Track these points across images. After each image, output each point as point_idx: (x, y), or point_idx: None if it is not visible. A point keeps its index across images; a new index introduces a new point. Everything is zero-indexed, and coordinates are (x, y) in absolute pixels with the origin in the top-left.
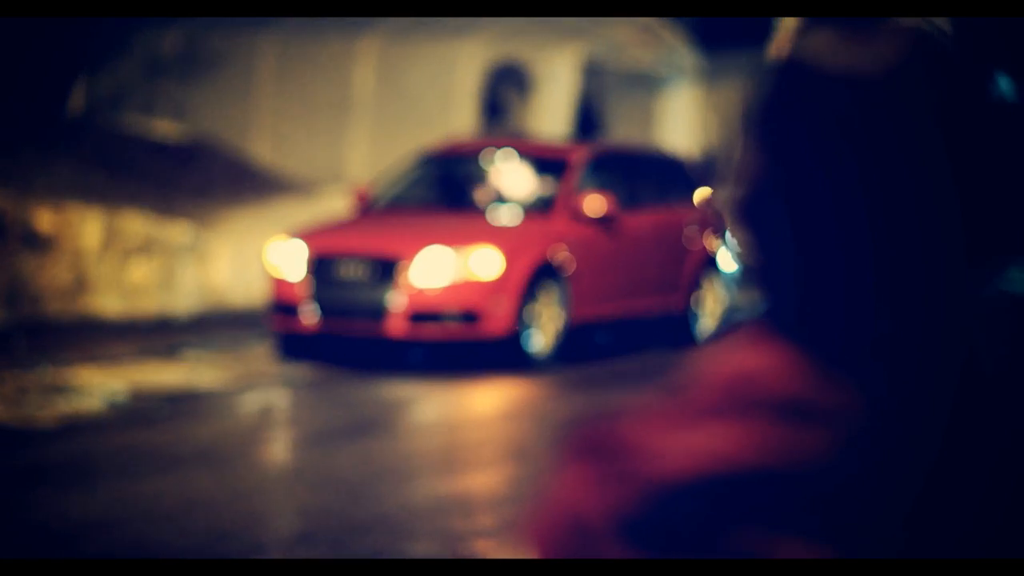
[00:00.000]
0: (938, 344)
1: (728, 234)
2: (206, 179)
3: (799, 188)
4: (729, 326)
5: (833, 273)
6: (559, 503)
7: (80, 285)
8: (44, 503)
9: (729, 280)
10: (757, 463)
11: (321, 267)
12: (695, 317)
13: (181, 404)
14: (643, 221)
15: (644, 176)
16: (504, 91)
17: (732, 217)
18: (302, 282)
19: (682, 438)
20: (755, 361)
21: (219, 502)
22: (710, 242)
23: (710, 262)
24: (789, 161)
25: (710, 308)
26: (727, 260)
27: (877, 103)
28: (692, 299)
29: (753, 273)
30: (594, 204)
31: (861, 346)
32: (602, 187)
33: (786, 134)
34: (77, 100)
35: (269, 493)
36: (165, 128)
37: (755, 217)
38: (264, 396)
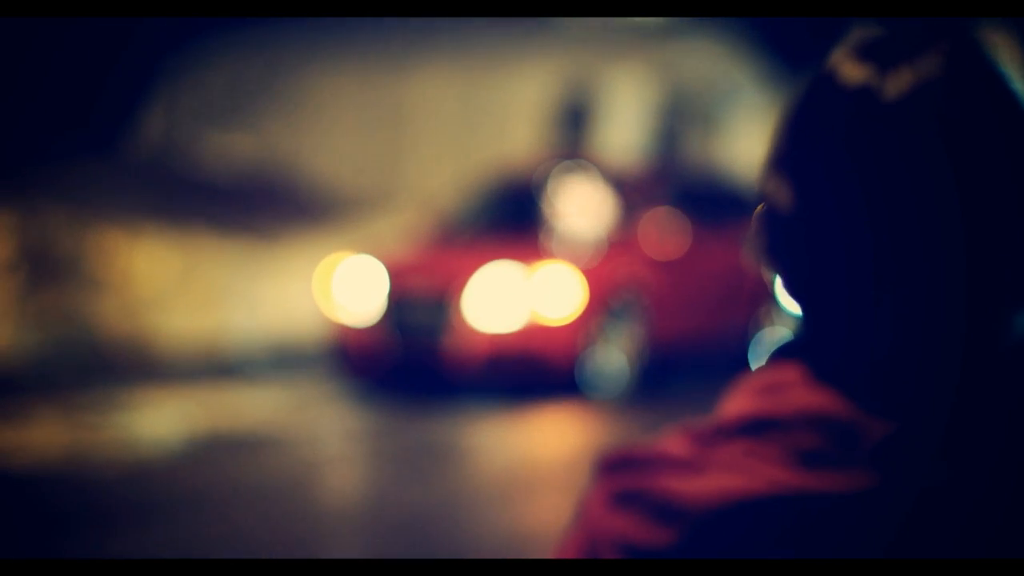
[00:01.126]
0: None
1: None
2: (270, 201)
3: (826, 222)
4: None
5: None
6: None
7: (139, 310)
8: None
9: (785, 311)
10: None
11: (400, 300)
12: (753, 347)
13: (244, 439)
14: (715, 248)
15: (716, 201)
16: (578, 108)
17: (759, 252)
18: (377, 317)
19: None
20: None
21: (286, 542)
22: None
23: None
24: (818, 193)
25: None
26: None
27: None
28: (752, 329)
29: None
30: (670, 233)
31: (882, 380)
32: (677, 211)
33: (817, 164)
34: (156, 121)
35: (338, 534)
36: (238, 148)
37: (783, 253)
38: (328, 430)
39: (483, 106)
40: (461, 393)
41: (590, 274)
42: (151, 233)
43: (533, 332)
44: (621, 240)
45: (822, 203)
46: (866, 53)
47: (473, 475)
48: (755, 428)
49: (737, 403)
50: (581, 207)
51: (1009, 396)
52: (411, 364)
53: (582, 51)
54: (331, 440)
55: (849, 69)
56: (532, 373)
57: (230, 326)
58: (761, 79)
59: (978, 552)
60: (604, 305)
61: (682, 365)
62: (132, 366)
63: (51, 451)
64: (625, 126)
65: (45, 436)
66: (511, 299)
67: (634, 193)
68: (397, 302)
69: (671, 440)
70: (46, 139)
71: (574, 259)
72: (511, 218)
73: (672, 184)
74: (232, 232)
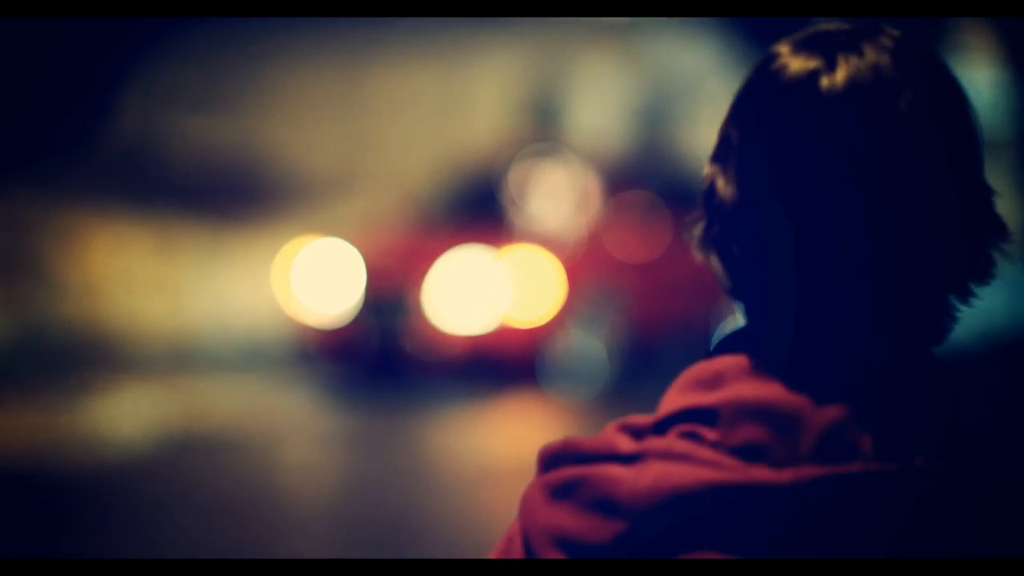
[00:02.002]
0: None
1: None
2: (241, 189)
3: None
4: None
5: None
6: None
7: (108, 300)
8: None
9: None
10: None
11: (375, 291)
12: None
13: (212, 438)
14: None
15: (693, 188)
16: (548, 93)
17: (703, 242)
18: (350, 309)
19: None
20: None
21: (255, 545)
22: None
23: None
24: (767, 186)
25: None
26: None
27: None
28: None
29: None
30: (647, 220)
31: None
32: (655, 197)
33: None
34: (128, 111)
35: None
36: (209, 136)
37: (726, 243)
38: (297, 430)
39: (452, 91)
40: (433, 389)
41: (563, 260)
42: (121, 222)
43: (506, 327)
44: (596, 227)
45: (765, 194)
46: (810, 45)
47: (443, 476)
48: (694, 420)
49: (676, 395)
50: (553, 192)
51: (946, 384)
52: (383, 358)
53: (553, 35)
54: (300, 440)
55: (793, 60)
56: (505, 368)
57: (200, 316)
58: (741, 67)
59: (919, 543)
60: (579, 294)
61: (664, 357)
62: (100, 359)
63: (16, 448)
64: (599, 112)
65: (11, 432)
66: (482, 286)
67: (609, 178)
68: (372, 294)
69: (610, 433)
70: (18, 127)
71: (546, 245)
72: (481, 204)
73: (650, 170)
74: (202, 220)
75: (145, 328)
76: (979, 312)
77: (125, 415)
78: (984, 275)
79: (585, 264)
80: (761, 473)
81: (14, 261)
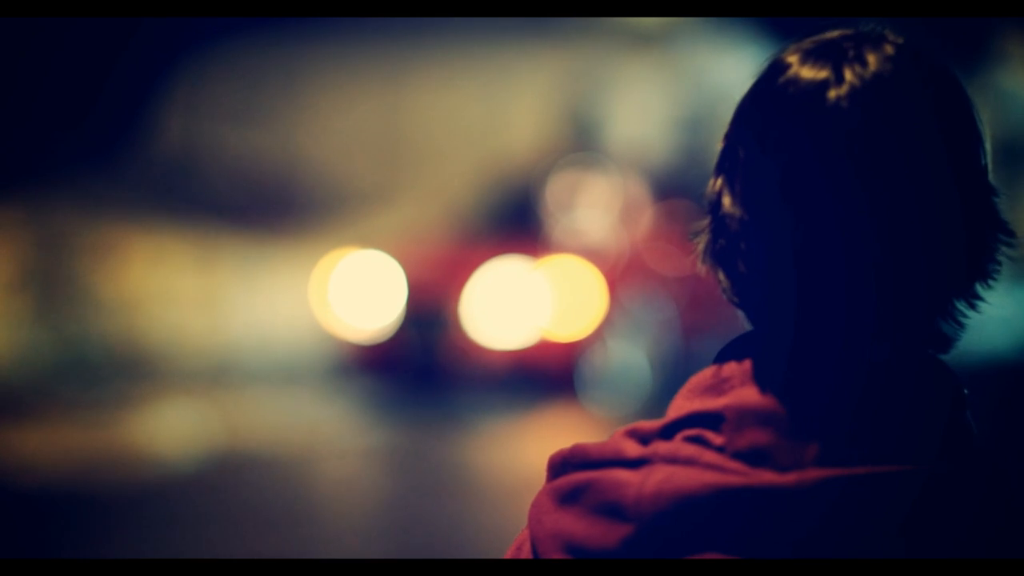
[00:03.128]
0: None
1: None
2: (281, 200)
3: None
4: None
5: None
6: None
7: (149, 313)
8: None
9: None
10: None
11: (417, 305)
12: None
13: (255, 454)
14: None
15: None
16: (588, 103)
17: (708, 253)
18: (393, 323)
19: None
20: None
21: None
22: None
23: None
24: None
25: None
26: None
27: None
28: None
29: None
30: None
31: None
32: (697, 206)
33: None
34: (167, 120)
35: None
36: (250, 147)
37: (731, 254)
38: (338, 446)
39: (492, 102)
40: (473, 404)
41: (604, 271)
42: (160, 236)
43: (546, 340)
44: (637, 237)
45: (773, 211)
46: (817, 55)
47: (483, 490)
48: (700, 424)
49: (683, 400)
50: (593, 203)
51: (949, 387)
52: (423, 372)
53: (593, 45)
54: (340, 455)
55: (803, 71)
56: (545, 382)
57: (239, 330)
58: None
59: (923, 544)
60: (620, 306)
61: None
62: (140, 374)
63: (58, 464)
64: (639, 122)
65: (52, 447)
66: (521, 298)
67: (650, 188)
68: (412, 307)
69: (617, 438)
70: (57, 140)
71: (587, 256)
72: (521, 216)
73: (691, 179)
74: (242, 234)
75: (185, 343)
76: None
77: (165, 430)
78: (988, 278)
79: (626, 275)
80: (766, 477)
81: (54, 276)
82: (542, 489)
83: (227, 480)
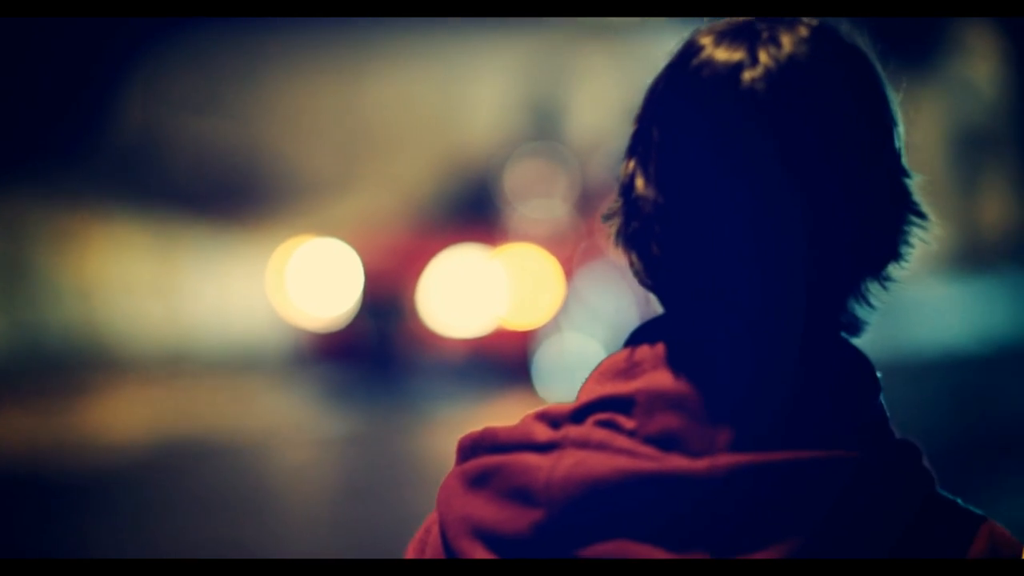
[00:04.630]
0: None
1: None
2: (242, 190)
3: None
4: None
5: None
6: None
7: (107, 303)
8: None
9: None
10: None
11: (372, 293)
12: None
13: (208, 442)
14: None
15: None
16: (547, 95)
17: (617, 236)
18: (348, 311)
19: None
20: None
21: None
22: None
23: None
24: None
25: None
26: None
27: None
28: None
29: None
30: None
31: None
32: None
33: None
34: (130, 110)
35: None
36: (211, 137)
37: (641, 236)
38: (293, 434)
39: (450, 91)
40: (430, 392)
41: (560, 260)
42: (118, 224)
43: (502, 329)
44: (594, 226)
45: (687, 194)
46: (732, 36)
47: (439, 478)
48: (611, 409)
49: (594, 384)
50: (550, 191)
51: (864, 375)
52: (380, 361)
53: (551, 35)
54: (296, 443)
55: (717, 52)
56: (502, 370)
57: (197, 319)
58: None
59: (836, 533)
60: (577, 294)
61: None
62: (97, 361)
63: (13, 451)
64: (598, 111)
65: (8, 434)
66: (478, 286)
67: (607, 177)
68: (369, 295)
69: (528, 422)
70: (16, 129)
71: (544, 244)
72: (478, 204)
73: None
74: (200, 222)
75: (142, 330)
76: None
77: (122, 418)
78: (901, 260)
79: (583, 264)
80: (677, 462)
81: (12, 263)
82: (451, 472)
83: (184, 468)
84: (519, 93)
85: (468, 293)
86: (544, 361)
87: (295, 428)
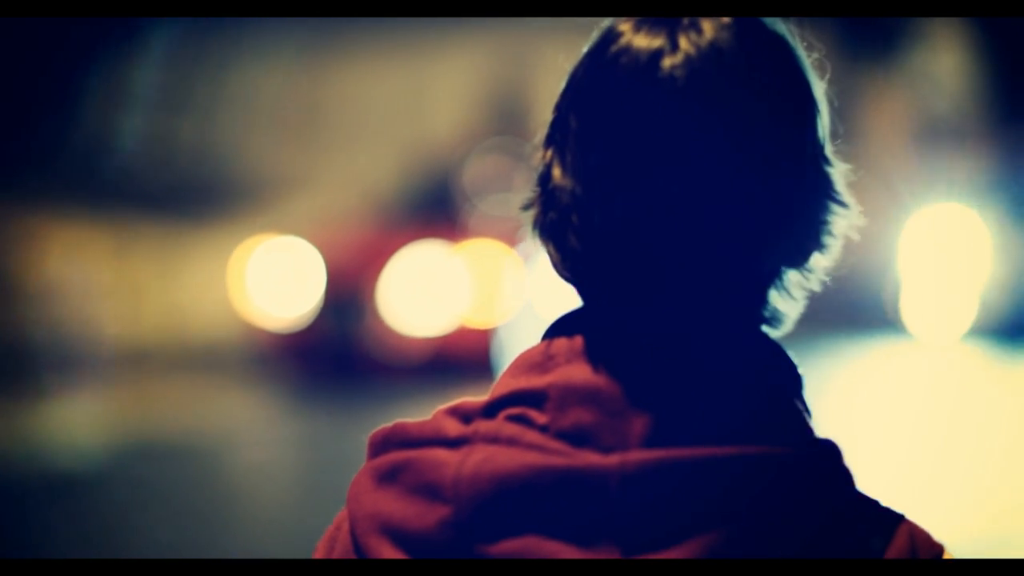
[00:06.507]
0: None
1: None
2: (197, 190)
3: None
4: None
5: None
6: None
7: (65, 304)
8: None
9: None
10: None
11: (334, 291)
12: None
13: (168, 444)
14: None
15: None
16: (512, 91)
17: (534, 227)
18: (309, 311)
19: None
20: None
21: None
22: None
23: None
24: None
25: None
26: None
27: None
28: None
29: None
30: None
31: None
32: None
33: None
34: (87, 112)
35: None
36: (168, 138)
37: (558, 228)
38: (254, 435)
39: (413, 87)
40: (392, 392)
41: (524, 256)
42: (77, 224)
43: (464, 327)
44: None
45: (605, 185)
46: (651, 22)
47: None
48: (523, 403)
49: (508, 378)
50: (514, 187)
51: (782, 369)
52: (342, 361)
53: (516, 31)
54: (257, 444)
55: (636, 39)
56: (463, 369)
57: (157, 319)
58: None
59: (745, 533)
60: (539, 290)
61: None
62: (56, 363)
63: None
64: None
65: None
66: (440, 283)
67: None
68: (331, 294)
69: (439, 416)
70: None
71: (507, 240)
72: (441, 201)
73: None
74: (160, 222)
75: (102, 331)
76: None
77: (82, 419)
78: (823, 249)
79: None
80: (588, 458)
81: None
82: (362, 468)
83: (145, 469)
84: (482, 89)
85: (430, 291)
86: (506, 359)
87: (256, 428)
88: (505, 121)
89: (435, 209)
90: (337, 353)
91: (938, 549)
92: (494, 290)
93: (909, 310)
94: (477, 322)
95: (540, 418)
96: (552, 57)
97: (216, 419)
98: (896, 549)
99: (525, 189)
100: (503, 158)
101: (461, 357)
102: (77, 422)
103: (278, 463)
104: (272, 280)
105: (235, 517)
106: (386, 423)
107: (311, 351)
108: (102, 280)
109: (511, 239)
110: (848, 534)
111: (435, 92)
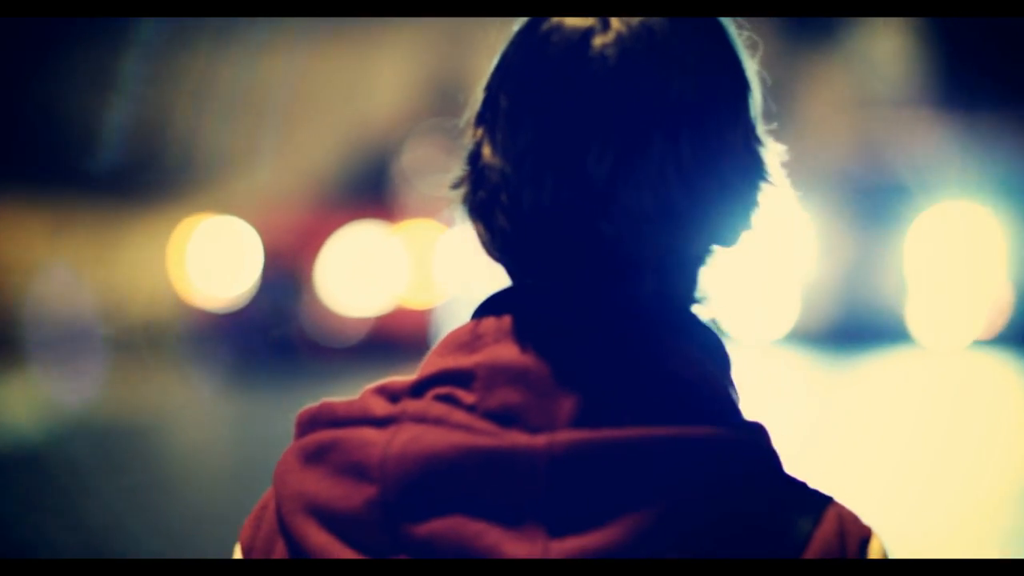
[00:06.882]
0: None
1: None
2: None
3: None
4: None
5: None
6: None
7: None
8: None
9: None
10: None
11: (271, 272)
12: None
13: (109, 423)
14: None
15: None
16: (452, 73)
17: (463, 207)
18: (247, 290)
19: None
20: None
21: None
22: None
23: None
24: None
25: None
26: None
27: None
28: None
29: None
30: None
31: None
32: None
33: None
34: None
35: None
36: (112, 119)
37: (488, 207)
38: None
39: (353, 69)
40: (329, 372)
41: (457, 235)
42: (15, 205)
43: (402, 308)
44: None
45: (534, 164)
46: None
47: None
48: (451, 383)
49: (436, 357)
50: (451, 168)
51: (710, 349)
52: (279, 340)
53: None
54: (194, 424)
55: (566, 18)
56: (401, 349)
57: (95, 299)
58: None
59: (672, 515)
60: (478, 272)
61: None
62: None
63: None
64: None
65: None
66: (377, 263)
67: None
68: (269, 274)
69: (367, 396)
70: None
71: (444, 220)
72: (379, 181)
73: None
74: (99, 202)
75: (39, 311)
76: None
77: (20, 399)
78: (749, 226)
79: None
80: (516, 438)
81: None
82: (289, 448)
83: (83, 449)
84: (420, 71)
85: (367, 271)
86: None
87: (193, 407)
88: (443, 102)
89: (373, 190)
90: (274, 332)
91: (866, 532)
92: (431, 270)
93: (916, 318)
94: (415, 302)
95: (468, 398)
96: (491, 38)
97: (153, 398)
98: (824, 531)
99: (456, 168)
100: (441, 139)
101: (398, 337)
102: (13, 402)
103: (214, 441)
104: (210, 260)
105: (171, 495)
106: (313, 403)
107: (248, 330)
108: (40, 260)
109: (449, 220)
110: (777, 515)
111: (374, 74)
